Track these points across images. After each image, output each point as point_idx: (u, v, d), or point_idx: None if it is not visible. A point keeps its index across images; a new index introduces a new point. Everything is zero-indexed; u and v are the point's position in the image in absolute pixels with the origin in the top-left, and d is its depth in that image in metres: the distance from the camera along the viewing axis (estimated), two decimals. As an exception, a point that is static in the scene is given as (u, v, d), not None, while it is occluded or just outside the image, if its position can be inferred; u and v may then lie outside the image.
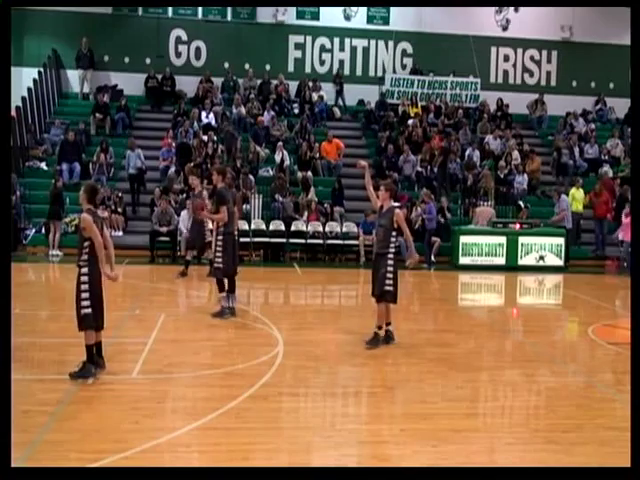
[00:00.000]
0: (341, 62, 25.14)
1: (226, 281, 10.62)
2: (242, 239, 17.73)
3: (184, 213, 17.30)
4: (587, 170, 22.49)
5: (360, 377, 7.86)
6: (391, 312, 9.23)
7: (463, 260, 17.99)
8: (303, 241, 18.49)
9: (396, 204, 9.30)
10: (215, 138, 20.68)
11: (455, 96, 24.56)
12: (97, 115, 21.91)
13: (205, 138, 20.67)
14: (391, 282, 8.82)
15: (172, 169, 19.70)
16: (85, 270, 7.04)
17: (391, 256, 8.83)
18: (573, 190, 19.91)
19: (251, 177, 19.58)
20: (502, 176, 21.03)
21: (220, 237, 10.42)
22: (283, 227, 18.48)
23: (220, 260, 10.42)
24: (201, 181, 15.37)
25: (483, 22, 25.32)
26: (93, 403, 6.50)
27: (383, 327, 9.16)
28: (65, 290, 14.07)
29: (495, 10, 25.56)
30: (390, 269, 8.81)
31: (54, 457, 5.21)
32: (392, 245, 8.84)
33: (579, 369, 8.57)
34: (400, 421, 6.36)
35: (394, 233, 8.81)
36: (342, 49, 25.12)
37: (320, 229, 18.64)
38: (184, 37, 24.27)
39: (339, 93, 24.59)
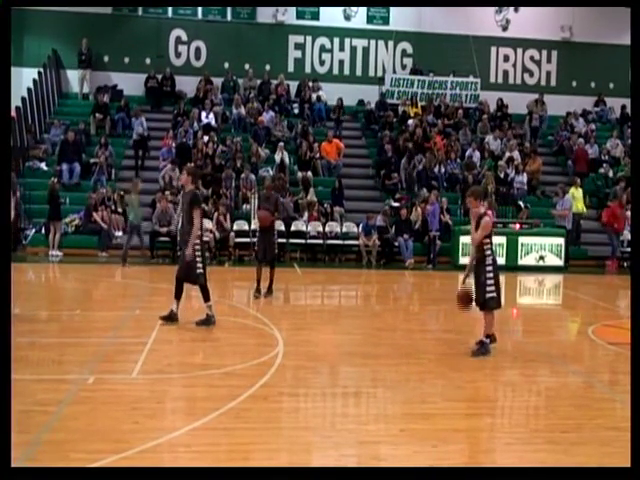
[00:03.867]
0: (341, 62, 25.15)
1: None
2: (242, 239, 17.85)
3: (184, 213, 17.30)
4: (584, 176, 22.45)
5: (360, 377, 7.86)
6: (490, 322, 8.84)
7: (463, 260, 17.90)
8: (303, 241, 18.49)
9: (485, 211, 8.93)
10: (215, 139, 20.71)
11: (455, 96, 24.56)
12: (97, 115, 21.92)
13: (205, 139, 20.68)
14: (493, 288, 8.63)
15: (167, 168, 19.60)
16: None
17: (490, 262, 8.66)
18: (572, 190, 19.88)
19: (252, 177, 19.58)
20: (502, 176, 21.04)
21: (197, 241, 9.77)
22: (283, 227, 18.46)
23: (201, 265, 9.85)
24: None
25: (483, 22, 25.33)
26: (93, 403, 6.49)
27: (493, 335, 8.83)
28: (65, 290, 14.10)
29: (495, 10, 25.57)
30: (490, 275, 8.64)
31: (54, 457, 5.21)
32: (488, 251, 8.67)
33: (579, 369, 8.57)
34: (400, 421, 6.36)
35: (487, 240, 8.66)
36: (342, 49, 25.13)
37: (320, 229, 18.64)
38: (184, 37, 24.27)
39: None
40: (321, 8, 24.67)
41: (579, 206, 19.76)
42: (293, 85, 24.25)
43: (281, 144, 20.80)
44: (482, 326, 8.91)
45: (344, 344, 9.27)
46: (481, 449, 5.79)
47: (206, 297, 9.92)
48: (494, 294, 8.65)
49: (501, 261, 18.12)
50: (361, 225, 18.38)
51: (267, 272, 12.73)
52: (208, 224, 17.88)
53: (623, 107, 24.86)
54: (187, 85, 23.56)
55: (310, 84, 24.14)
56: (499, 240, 18.21)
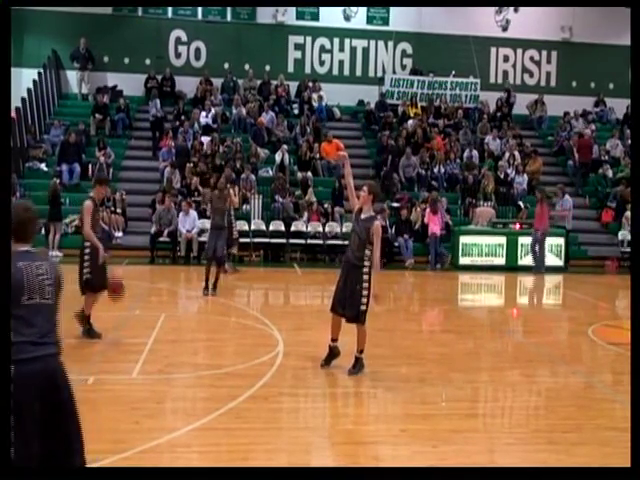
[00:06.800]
0: (341, 62, 25.14)
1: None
2: (242, 239, 17.82)
3: (183, 214, 17.36)
4: (587, 171, 22.46)
5: (360, 377, 7.85)
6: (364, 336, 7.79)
7: (463, 260, 17.98)
8: (303, 241, 18.48)
9: (378, 214, 7.82)
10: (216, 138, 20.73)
11: (455, 96, 24.55)
12: (97, 116, 21.90)
13: (204, 139, 20.68)
14: (366, 301, 7.52)
15: (167, 169, 19.61)
16: None
17: (366, 270, 7.52)
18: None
19: (252, 177, 19.58)
20: (502, 176, 21.03)
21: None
22: (283, 227, 18.47)
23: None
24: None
25: (483, 22, 25.29)
26: (93, 403, 6.48)
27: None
28: (64, 291, 14.08)
29: (495, 10, 25.54)
30: (365, 285, 7.48)
31: (54, 457, 5.20)
32: (367, 258, 7.54)
33: (579, 369, 8.57)
34: (400, 421, 6.36)
35: (369, 246, 7.55)
36: (342, 49, 25.09)
37: (320, 229, 18.63)
38: (184, 38, 24.24)
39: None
40: (321, 8, 24.64)
41: None
42: (293, 85, 24.23)
43: (285, 146, 20.78)
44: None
45: (344, 344, 9.24)
46: (481, 449, 5.79)
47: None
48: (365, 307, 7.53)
49: (501, 261, 18.20)
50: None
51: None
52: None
53: (623, 107, 24.84)
54: (187, 85, 23.53)
55: (310, 84, 24.14)
56: (499, 240, 18.25)
